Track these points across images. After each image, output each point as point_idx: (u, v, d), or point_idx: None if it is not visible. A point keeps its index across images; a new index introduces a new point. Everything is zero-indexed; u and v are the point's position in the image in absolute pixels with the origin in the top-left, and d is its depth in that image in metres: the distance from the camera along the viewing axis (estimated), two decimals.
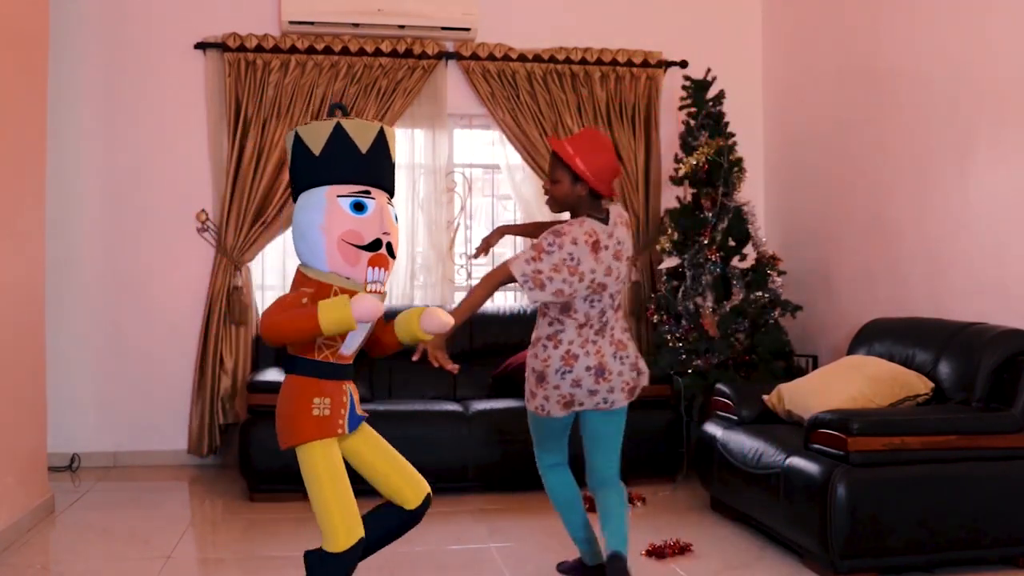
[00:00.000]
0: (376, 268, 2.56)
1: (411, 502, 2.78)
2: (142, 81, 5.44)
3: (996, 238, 4.06)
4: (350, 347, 2.66)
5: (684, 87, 5.44)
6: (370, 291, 2.55)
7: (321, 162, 2.58)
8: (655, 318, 5.27)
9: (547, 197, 3.24)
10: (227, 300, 5.34)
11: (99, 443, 5.34)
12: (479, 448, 4.69)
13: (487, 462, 4.70)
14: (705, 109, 5.32)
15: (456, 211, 5.83)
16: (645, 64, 5.78)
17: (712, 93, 5.37)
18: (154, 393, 5.39)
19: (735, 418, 4.25)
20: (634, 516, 4.37)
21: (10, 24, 3.90)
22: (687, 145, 5.32)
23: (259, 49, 5.38)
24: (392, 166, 2.70)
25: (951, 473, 3.36)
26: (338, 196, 2.55)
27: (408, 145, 5.73)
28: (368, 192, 2.57)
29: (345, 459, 2.68)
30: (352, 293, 2.50)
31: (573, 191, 3.13)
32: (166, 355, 5.41)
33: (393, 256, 2.62)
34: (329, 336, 2.51)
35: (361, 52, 5.48)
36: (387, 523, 2.80)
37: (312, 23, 5.39)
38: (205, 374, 5.31)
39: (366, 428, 2.77)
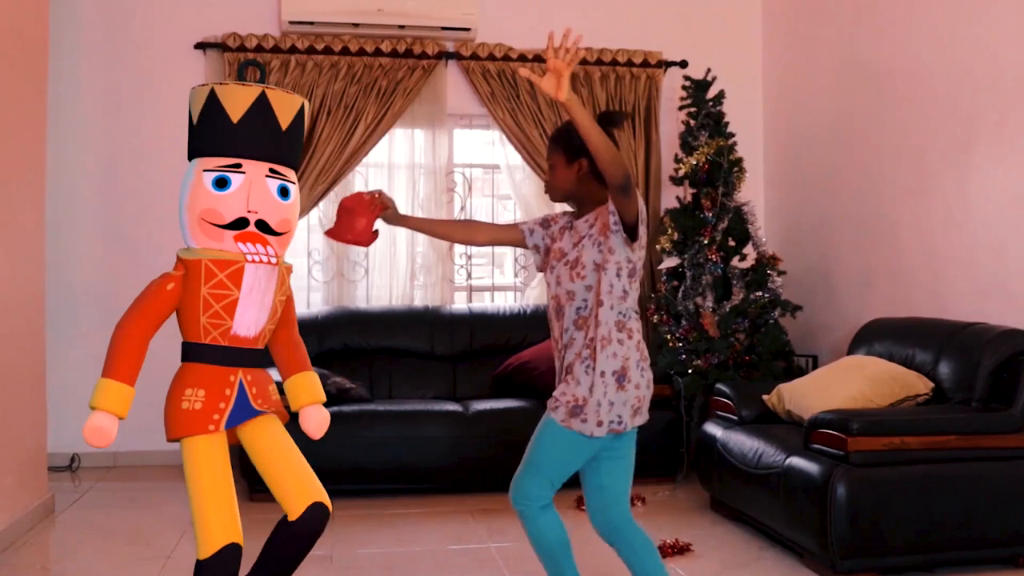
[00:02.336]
0: (250, 243, 2.32)
1: (292, 511, 2.38)
2: (142, 81, 5.43)
3: (996, 238, 4.06)
4: (248, 326, 2.36)
5: (684, 87, 5.44)
6: (250, 261, 2.31)
7: (196, 131, 2.43)
8: (655, 318, 5.27)
9: (547, 194, 2.94)
10: None
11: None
12: (479, 448, 4.69)
13: (487, 462, 4.69)
14: (705, 109, 5.32)
15: (456, 211, 5.83)
16: (645, 64, 5.78)
17: (712, 93, 5.37)
18: (154, 393, 5.31)
19: (735, 418, 4.25)
20: (635, 516, 4.36)
21: (10, 24, 3.90)
22: (687, 145, 5.32)
23: (259, 49, 5.38)
24: (282, 132, 2.38)
25: (951, 473, 3.36)
26: (204, 170, 2.37)
27: (408, 145, 5.73)
28: (239, 166, 2.33)
29: (245, 450, 2.49)
30: (230, 264, 2.29)
31: (571, 170, 2.78)
32: (166, 355, 5.35)
33: (274, 232, 2.35)
34: (215, 315, 2.32)
35: (361, 52, 5.48)
36: (272, 540, 2.45)
37: (312, 23, 5.39)
38: None
39: (269, 420, 2.47)
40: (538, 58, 5.67)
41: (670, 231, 5.26)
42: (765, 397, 4.20)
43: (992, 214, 4.08)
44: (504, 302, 5.99)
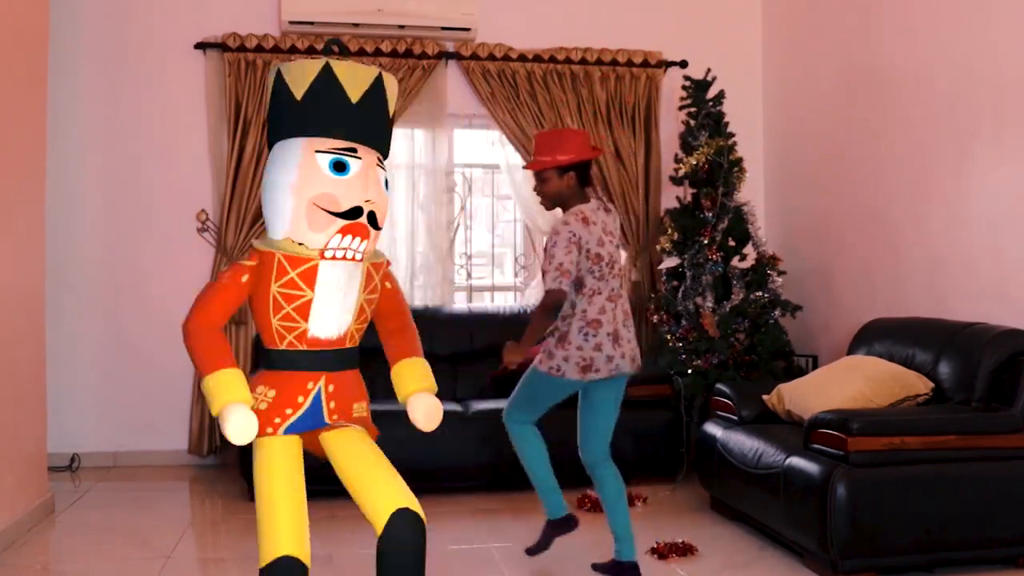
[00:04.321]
0: (347, 236, 2.14)
1: (377, 525, 2.18)
2: (142, 81, 5.43)
3: (996, 238, 4.06)
4: (327, 327, 2.19)
5: (684, 87, 5.44)
6: (328, 258, 2.13)
7: (302, 109, 2.16)
8: (655, 318, 5.27)
9: (539, 199, 3.49)
10: None
11: (99, 443, 5.34)
12: (479, 448, 4.69)
13: (487, 462, 4.69)
14: (705, 109, 5.32)
15: (456, 211, 5.83)
16: (645, 64, 5.78)
17: (712, 93, 5.37)
18: (154, 393, 5.39)
19: (735, 418, 4.24)
20: (634, 516, 4.36)
21: (10, 24, 3.90)
22: (687, 145, 5.32)
23: (259, 49, 5.38)
24: (388, 122, 2.27)
25: (951, 473, 3.36)
26: (316, 151, 2.14)
27: (408, 145, 5.73)
28: (354, 150, 2.16)
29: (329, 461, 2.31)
30: (304, 261, 2.12)
31: (563, 183, 3.38)
32: (166, 355, 5.39)
33: (377, 227, 2.19)
34: (287, 316, 2.14)
35: (361, 52, 5.48)
36: (377, 567, 2.23)
37: (312, 23, 5.39)
38: None
39: (352, 431, 2.32)
40: (538, 58, 5.66)
41: (670, 231, 5.26)
42: (765, 397, 4.20)
43: (992, 214, 4.08)
44: (504, 302, 5.99)
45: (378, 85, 2.20)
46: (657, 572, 3.54)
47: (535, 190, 3.49)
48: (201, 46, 5.44)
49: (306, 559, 2.13)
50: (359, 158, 2.16)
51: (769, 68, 6.05)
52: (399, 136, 5.72)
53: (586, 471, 3.50)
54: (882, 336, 4.24)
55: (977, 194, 4.17)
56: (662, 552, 3.69)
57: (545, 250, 3.35)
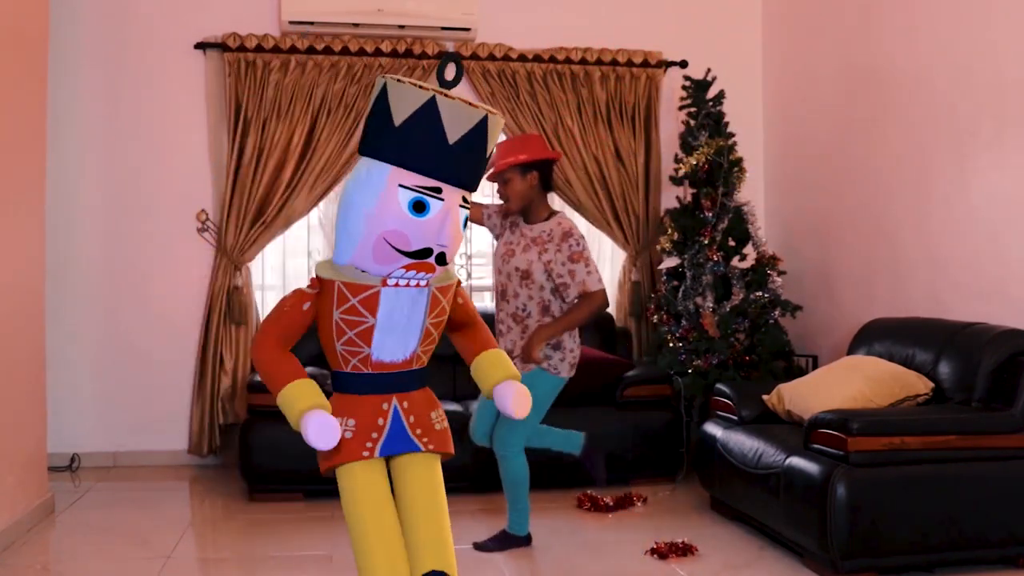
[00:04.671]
0: (412, 269, 2.11)
1: (414, 569, 2.14)
2: (142, 81, 5.43)
3: (996, 238, 4.06)
4: (391, 351, 2.17)
5: (684, 87, 5.45)
6: (390, 284, 2.10)
7: (397, 135, 2.07)
8: (655, 318, 5.27)
9: (503, 202, 3.69)
10: (227, 300, 5.33)
11: (99, 443, 5.34)
12: (479, 448, 4.67)
13: (487, 462, 4.68)
14: (705, 109, 5.32)
15: None
16: (645, 64, 5.77)
17: (712, 93, 5.37)
18: (154, 393, 5.39)
19: (735, 418, 4.24)
20: (635, 516, 4.38)
21: (10, 24, 3.90)
22: (687, 145, 5.33)
23: (259, 49, 5.38)
24: (483, 161, 2.18)
25: (951, 473, 3.36)
26: (400, 185, 2.06)
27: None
28: (439, 191, 2.07)
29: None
30: (364, 288, 2.09)
31: (526, 182, 3.60)
32: (166, 355, 5.40)
33: (444, 264, 2.14)
34: (349, 342, 2.13)
35: (361, 52, 5.48)
36: None
37: (312, 23, 5.39)
38: (205, 374, 5.31)
39: (426, 460, 2.24)
40: (538, 58, 5.66)
41: (670, 231, 5.26)
42: (765, 397, 4.20)
43: (992, 214, 4.08)
44: None
45: (481, 127, 2.10)
46: (657, 572, 3.54)
47: (499, 193, 3.67)
48: (201, 46, 5.44)
49: None
50: (442, 199, 2.08)
51: (769, 68, 6.05)
52: None
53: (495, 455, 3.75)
54: (882, 336, 4.24)
55: (977, 194, 4.17)
56: (662, 552, 3.68)
57: (572, 257, 3.57)
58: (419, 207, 2.05)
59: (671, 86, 5.80)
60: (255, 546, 3.93)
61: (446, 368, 5.35)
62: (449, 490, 4.87)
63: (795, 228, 5.70)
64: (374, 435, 2.16)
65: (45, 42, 4.33)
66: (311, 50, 5.43)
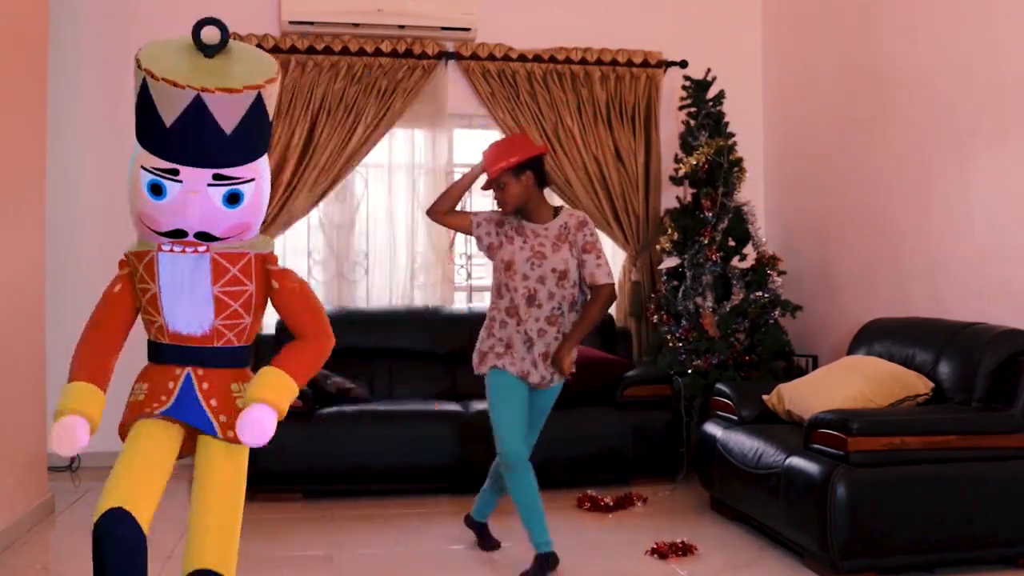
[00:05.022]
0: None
1: (185, 563, 2.12)
2: None
3: (996, 238, 4.06)
4: (185, 322, 2.12)
5: (684, 87, 5.44)
6: (164, 249, 2.11)
7: (137, 111, 2.12)
8: (655, 318, 5.27)
9: (501, 207, 3.55)
10: None
11: (99, 443, 5.29)
12: (479, 448, 4.68)
13: (487, 462, 4.68)
14: (705, 109, 5.32)
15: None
16: (645, 64, 5.77)
17: (712, 93, 5.37)
18: None
19: (735, 418, 4.24)
20: (635, 516, 4.38)
21: (10, 24, 3.90)
22: (687, 145, 5.32)
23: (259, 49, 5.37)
24: (223, 136, 2.05)
25: (951, 473, 3.36)
26: (142, 167, 2.10)
27: (408, 145, 5.73)
28: (176, 172, 2.04)
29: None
30: (144, 255, 2.13)
31: (521, 184, 3.47)
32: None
33: (210, 240, 2.11)
34: (144, 310, 2.16)
35: (361, 52, 5.48)
36: None
37: (312, 23, 5.39)
38: None
39: (225, 448, 2.19)
40: (538, 58, 5.66)
41: (670, 231, 5.26)
42: (765, 397, 4.20)
43: (992, 214, 4.08)
44: None
45: (198, 107, 2.00)
46: (657, 572, 3.54)
47: (496, 199, 3.55)
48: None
49: (137, 511, 2.03)
50: (179, 181, 2.04)
51: (769, 68, 6.05)
52: (400, 136, 5.73)
53: (503, 468, 3.52)
54: (882, 336, 4.23)
55: (977, 194, 4.17)
56: (662, 552, 3.68)
57: (585, 247, 3.50)
58: (156, 190, 2.07)
59: (671, 86, 5.80)
60: (255, 546, 3.93)
61: (446, 368, 5.37)
62: (428, 491, 4.84)
63: (795, 228, 5.70)
64: (163, 398, 2.14)
65: (45, 42, 4.33)
66: (311, 50, 5.43)
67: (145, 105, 2.06)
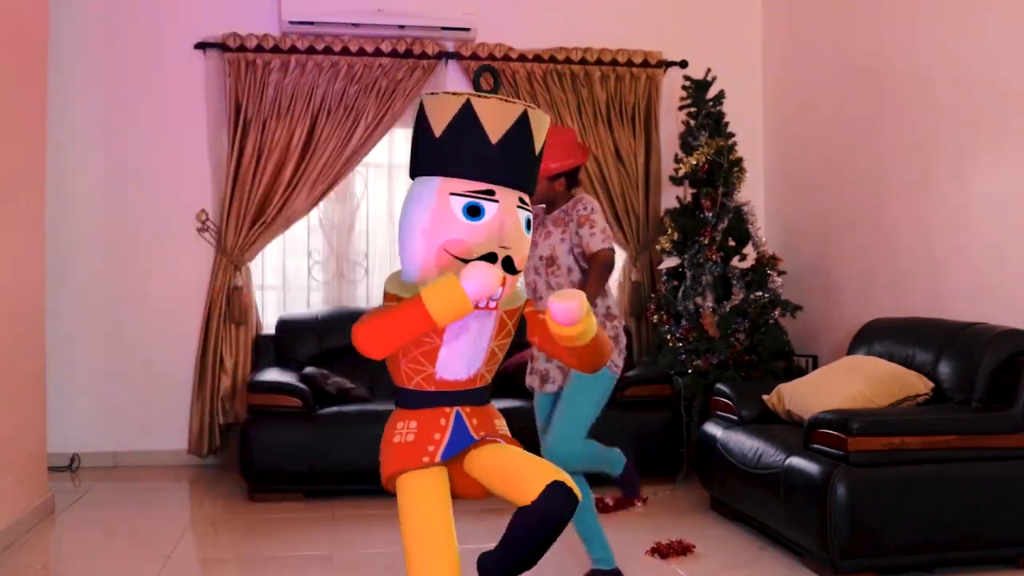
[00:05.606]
0: None
1: (526, 494, 2.00)
2: (142, 81, 5.43)
3: (996, 238, 4.06)
4: (455, 371, 2.14)
5: (684, 87, 5.45)
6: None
7: (440, 146, 2.08)
8: (655, 318, 5.27)
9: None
10: (227, 300, 5.33)
11: (99, 443, 5.34)
12: None
13: None
14: (705, 109, 5.32)
15: None
16: (645, 64, 5.78)
17: (712, 93, 5.37)
18: (154, 393, 5.38)
19: (735, 418, 4.25)
20: (635, 516, 4.38)
21: (10, 24, 3.90)
22: (687, 145, 5.32)
23: (259, 49, 5.38)
24: (533, 161, 2.14)
25: (951, 473, 3.36)
26: (451, 194, 2.05)
27: (408, 145, 5.72)
28: (492, 193, 2.06)
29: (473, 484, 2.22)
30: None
31: (551, 187, 3.30)
32: (166, 355, 5.40)
33: (514, 272, 2.09)
34: (414, 359, 2.12)
35: (361, 52, 5.48)
36: (510, 527, 2.09)
37: (312, 23, 5.39)
38: (205, 374, 5.31)
39: (495, 446, 2.20)
40: (538, 58, 5.66)
41: (670, 231, 5.26)
42: (765, 397, 4.20)
43: (992, 214, 4.08)
44: None
45: (522, 123, 2.07)
46: (657, 572, 3.54)
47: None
48: (201, 46, 5.44)
49: None
50: (496, 201, 2.06)
51: (769, 68, 6.05)
52: (400, 136, 5.73)
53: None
54: (882, 336, 4.24)
55: (977, 194, 4.17)
56: (662, 552, 3.69)
57: (579, 221, 3.25)
58: (473, 211, 2.04)
59: (671, 86, 5.80)
60: (255, 546, 3.93)
61: None
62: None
63: (795, 228, 5.70)
64: (436, 436, 2.12)
65: (45, 42, 4.33)
66: (311, 50, 5.43)
67: (464, 128, 2.06)
